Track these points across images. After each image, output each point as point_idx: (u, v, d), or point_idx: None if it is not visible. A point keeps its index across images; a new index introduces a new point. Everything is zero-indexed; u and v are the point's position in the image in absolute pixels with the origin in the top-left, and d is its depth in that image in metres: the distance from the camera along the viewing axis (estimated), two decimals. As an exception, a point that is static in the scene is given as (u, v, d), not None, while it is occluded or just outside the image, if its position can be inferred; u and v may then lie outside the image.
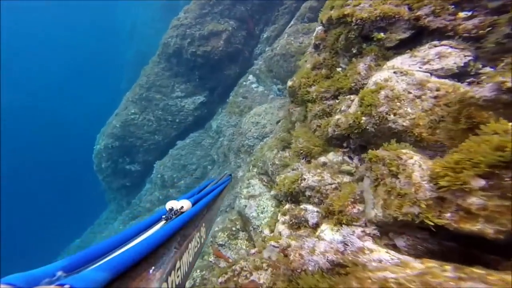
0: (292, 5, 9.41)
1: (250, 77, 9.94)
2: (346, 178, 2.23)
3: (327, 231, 1.98)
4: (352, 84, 2.40)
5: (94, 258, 0.48)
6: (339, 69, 2.68)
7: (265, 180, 5.54)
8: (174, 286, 0.56)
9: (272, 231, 2.98)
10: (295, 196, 2.53)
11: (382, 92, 2.07)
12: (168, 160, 10.94)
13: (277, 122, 8.04)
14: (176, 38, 10.28)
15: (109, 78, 35.76)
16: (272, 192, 3.07)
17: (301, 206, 2.29)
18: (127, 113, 10.84)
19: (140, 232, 0.63)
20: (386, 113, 2.04)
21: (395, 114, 2.01)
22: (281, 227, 2.40)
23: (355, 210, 1.98)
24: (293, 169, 2.75)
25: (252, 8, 10.31)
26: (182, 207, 0.77)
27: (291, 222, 2.30)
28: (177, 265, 0.60)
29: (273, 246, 2.00)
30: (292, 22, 9.12)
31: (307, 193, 2.31)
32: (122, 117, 10.86)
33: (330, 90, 2.61)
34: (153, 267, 0.52)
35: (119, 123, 10.74)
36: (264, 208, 4.75)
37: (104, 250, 0.51)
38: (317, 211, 2.15)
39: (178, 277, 0.59)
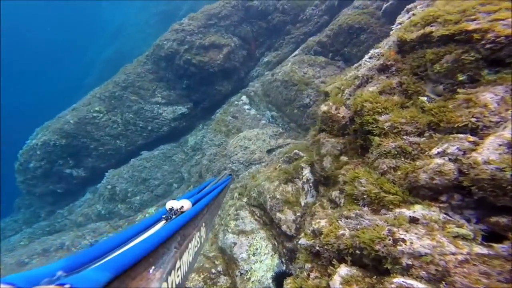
0: (299, 36, 9.38)
1: (244, 98, 9.24)
2: (470, 247, 1.37)
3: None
4: (470, 120, 1.67)
5: (95, 257, 0.46)
6: (424, 98, 1.99)
7: (258, 214, 4.43)
8: (174, 285, 0.54)
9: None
10: (371, 259, 1.53)
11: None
12: (127, 171, 9.10)
13: (268, 151, 7.21)
14: (173, 42, 9.39)
15: (72, 72, 32.39)
16: (303, 241, 2.01)
17: (395, 281, 1.31)
18: (88, 109, 9.05)
19: (140, 232, 0.60)
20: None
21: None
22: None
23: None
24: (347, 217, 1.80)
25: (258, 31, 10.09)
26: (182, 207, 0.74)
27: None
28: (177, 265, 0.58)
29: None
30: (296, 52, 8.96)
31: (405, 260, 1.36)
32: (80, 112, 9.00)
33: (415, 123, 1.85)
34: (153, 267, 0.49)
35: (75, 119, 8.82)
36: (257, 249, 3.58)
37: (104, 250, 0.49)
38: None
39: (178, 276, 0.57)
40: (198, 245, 0.76)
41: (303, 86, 7.65)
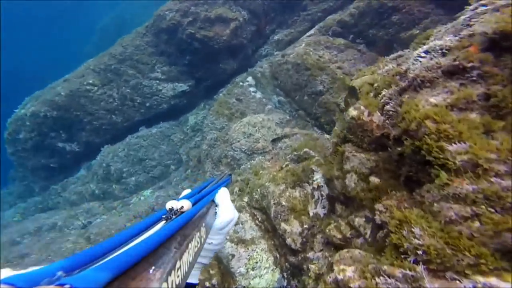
0: (316, 13, 8.40)
1: (249, 79, 8.50)
2: None
3: None
4: None
5: (95, 258, 0.44)
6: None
7: (259, 219, 4.00)
8: (174, 286, 0.52)
9: None
10: None
11: None
12: (122, 149, 8.64)
13: (273, 141, 6.66)
14: (176, 13, 8.43)
15: (72, 39, 30.65)
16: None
17: None
18: (82, 82, 8.33)
19: (140, 232, 0.59)
20: None
21: None
22: None
23: None
24: (389, 275, 1.27)
25: (270, 4, 9.07)
26: (182, 207, 0.73)
27: None
28: (177, 265, 0.55)
29: None
30: (312, 32, 8.06)
31: None
32: (73, 85, 8.29)
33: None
34: (153, 267, 0.48)
35: (66, 91, 8.14)
36: (257, 262, 3.19)
37: (104, 250, 0.48)
38: None
39: (178, 277, 0.55)
40: (198, 245, 0.73)
41: (317, 71, 6.91)
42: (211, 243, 0.87)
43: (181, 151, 8.91)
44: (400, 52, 3.31)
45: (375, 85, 2.94)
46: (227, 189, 0.99)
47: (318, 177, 3.85)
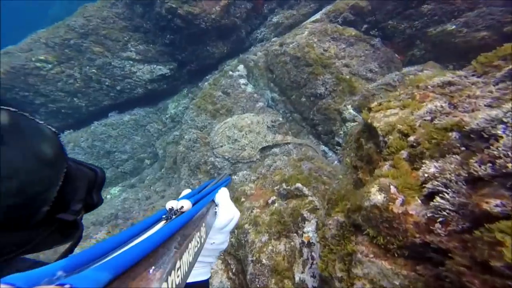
0: (325, -5, 7.06)
1: (241, 67, 7.26)
2: None
3: None
4: None
5: (95, 257, 0.44)
6: None
7: (233, 270, 3.16)
8: (174, 286, 0.52)
9: None
10: None
11: None
12: (85, 139, 7.44)
13: (262, 149, 5.67)
14: (154, -23, 6.83)
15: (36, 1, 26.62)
16: None
17: None
18: (29, 57, 6.77)
19: (140, 232, 0.59)
20: None
21: None
22: None
23: None
24: None
25: (270, -22, 7.59)
26: (182, 207, 0.72)
27: None
28: (177, 265, 0.56)
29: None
30: (318, 16, 6.78)
31: None
32: (16, 60, 6.70)
33: None
34: (153, 267, 0.48)
35: (6, 67, 6.58)
36: None
37: (104, 250, 0.47)
38: None
39: (178, 277, 0.55)
40: (198, 245, 0.72)
41: (319, 69, 5.79)
42: (213, 242, 0.88)
43: (157, 144, 7.80)
44: (449, 77, 2.28)
45: (411, 138, 1.95)
46: (227, 189, 1.00)
47: (309, 229, 2.99)
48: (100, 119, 7.77)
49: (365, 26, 6.23)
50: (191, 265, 0.63)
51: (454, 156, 1.63)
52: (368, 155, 2.60)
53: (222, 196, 0.92)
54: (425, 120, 2.13)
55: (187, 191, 0.92)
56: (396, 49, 6.18)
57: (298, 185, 3.65)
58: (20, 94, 6.78)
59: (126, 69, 7.62)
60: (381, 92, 5.37)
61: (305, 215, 3.27)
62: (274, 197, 3.72)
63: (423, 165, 1.78)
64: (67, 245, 0.71)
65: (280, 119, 6.35)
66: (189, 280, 0.74)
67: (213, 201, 0.91)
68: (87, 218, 6.15)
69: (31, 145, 0.52)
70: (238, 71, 7.13)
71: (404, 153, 2.05)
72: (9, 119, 0.50)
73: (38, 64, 6.77)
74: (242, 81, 6.99)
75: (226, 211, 0.88)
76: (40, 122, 0.59)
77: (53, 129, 0.63)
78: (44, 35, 7.01)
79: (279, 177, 4.22)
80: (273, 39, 7.42)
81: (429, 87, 2.47)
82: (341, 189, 2.89)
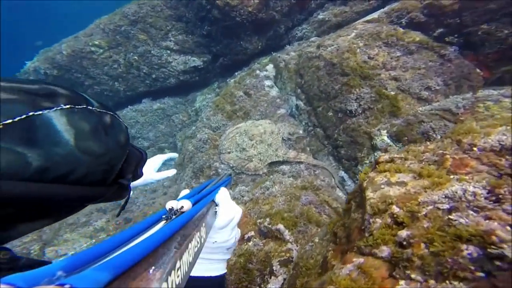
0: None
1: (269, 67, 6.59)
2: None
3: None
4: None
5: (95, 257, 0.45)
6: None
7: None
8: (174, 286, 0.53)
9: None
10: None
11: None
12: (119, 122, 7.87)
13: (270, 163, 4.99)
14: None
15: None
16: None
17: None
18: (87, 42, 7.36)
19: (140, 232, 0.61)
20: None
21: None
22: None
23: None
24: None
25: (323, -33, 6.56)
26: (182, 207, 0.76)
27: None
28: (177, 265, 0.56)
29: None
30: (375, 15, 5.57)
31: None
32: (77, 44, 7.38)
33: None
34: (153, 267, 0.48)
35: (68, 50, 7.28)
36: None
37: (104, 250, 0.48)
38: None
39: (178, 277, 0.56)
40: (198, 245, 0.73)
41: (356, 80, 4.73)
42: (215, 242, 0.90)
43: (178, 136, 7.80)
44: None
45: (403, 233, 1.13)
46: (227, 189, 1.00)
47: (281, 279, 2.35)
48: (134, 104, 8.15)
49: (439, 30, 4.77)
50: (191, 265, 0.64)
51: (458, 284, 0.85)
52: (349, 229, 1.78)
53: (222, 196, 0.96)
54: (438, 209, 1.25)
55: (186, 191, 0.97)
56: (481, 63, 4.56)
57: (280, 226, 2.95)
58: (74, 75, 7.52)
59: (162, 59, 7.72)
60: (434, 119, 4.05)
61: (274, 267, 2.60)
62: (253, 233, 3.11)
63: (403, 282, 1.08)
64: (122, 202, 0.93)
65: (300, 132, 5.52)
66: (201, 274, 0.86)
67: (213, 201, 0.93)
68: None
69: (115, 135, 0.75)
70: (266, 70, 6.47)
71: (385, 251, 1.28)
72: (110, 120, 0.75)
73: (92, 49, 7.36)
74: (268, 82, 6.31)
75: (226, 211, 0.92)
76: (120, 119, 0.81)
77: (125, 124, 0.83)
78: (104, 21, 7.57)
79: (267, 208, 3.55)
80: (312, 39, 6.48)
81: (477, 147, 1.50)
82: (309, 258, 2.13)
